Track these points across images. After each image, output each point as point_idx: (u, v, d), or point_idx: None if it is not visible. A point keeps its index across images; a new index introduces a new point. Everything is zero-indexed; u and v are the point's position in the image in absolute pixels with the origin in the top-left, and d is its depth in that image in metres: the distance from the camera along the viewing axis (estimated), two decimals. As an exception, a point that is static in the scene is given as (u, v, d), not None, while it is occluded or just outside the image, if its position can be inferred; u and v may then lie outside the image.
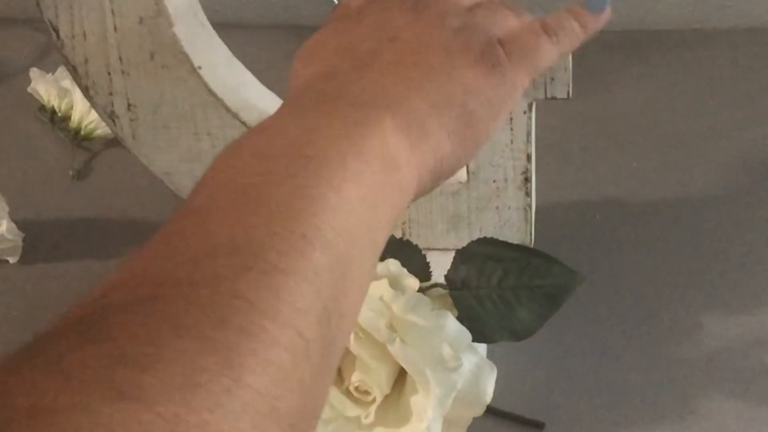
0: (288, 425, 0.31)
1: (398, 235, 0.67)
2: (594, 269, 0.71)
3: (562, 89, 0.61)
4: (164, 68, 0.63)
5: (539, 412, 0.63)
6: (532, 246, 0.67)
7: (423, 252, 0.62)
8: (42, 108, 0.91)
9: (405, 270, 0.59)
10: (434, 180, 0.43)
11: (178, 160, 0.66)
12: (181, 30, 0.63)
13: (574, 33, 0.49)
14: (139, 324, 0.29)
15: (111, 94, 0.65)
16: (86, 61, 0.64)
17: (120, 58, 0.63)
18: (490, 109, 0.45)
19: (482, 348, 0.63)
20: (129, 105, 0.65)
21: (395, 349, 0.56)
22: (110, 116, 0.65)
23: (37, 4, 0.62)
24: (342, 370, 0.58)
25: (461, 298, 0.60)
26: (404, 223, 0.67)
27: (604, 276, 0.72)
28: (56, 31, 0.63)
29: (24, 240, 0.78)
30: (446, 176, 0.44)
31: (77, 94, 0.87)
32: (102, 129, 0.87)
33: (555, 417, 0.63)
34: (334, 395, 0.57)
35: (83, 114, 0.88)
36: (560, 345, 0.67)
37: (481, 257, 0.61)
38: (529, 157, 0.64)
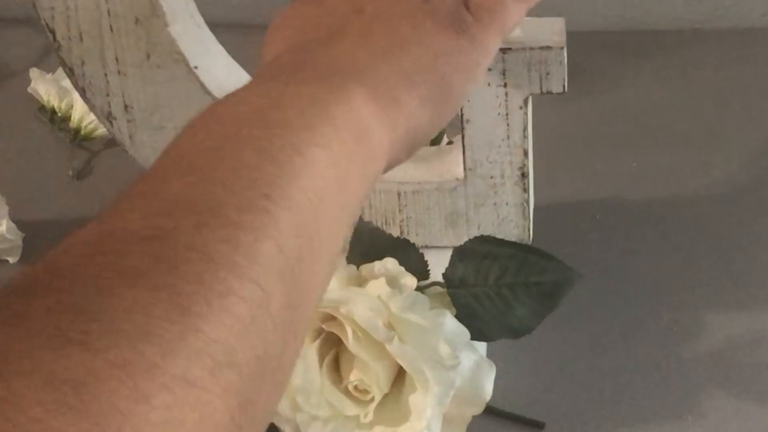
0: (247, 375, 0.30)
1: (396, 233, 0.67)
2: (593, 268, 0.71)
3: (558, 83, 0.61)
4: (160, 69, 0.63)
5: (539, 412, 0.63)
6: (530, 243, 0.67)
7: (421, 250, 0.62)
8: (42, 108, 0.91)
9: (403, 269, 0.59)
10: (409, 147, 0.43)
11: (176, 160, 0.66)
12: (176, 30, 0.63)
13: None
14: (89, 275, 0.29)
15: (108, 95, 0.65)
16: (83, 62, 0.64)
17: (116, 59, 0.63)
18: (462, 73, 0.45)
19: (482, 347, 0.63)
20: (126, 106, 0.65)
21: (394, 347, 0.56)
22: (107, 117, 0.65)
23: (34, 6, 0.62)
24: (341, 369, 0.58)
25: (459, 296, 0.60)
26: (402, 221, 0.67)
27: (603, 275, 0.72)
28: (52, 32, 0.63)
29: (24, 240, 0.78)
30: (422, 142, 0.44)
31: (77, 94, 0.87)
32: (102, 129, 0.87)
33: (555, 417, 0.63)
34: (333, 394, 0.57)
35: (83, 114, 0.88)
36: (560, 345, 0.67)
37: (478, 255, 0.61)
38: (525, 153, 0.64)
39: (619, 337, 0.68)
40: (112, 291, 0.29)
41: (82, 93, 0.65)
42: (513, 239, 0.66)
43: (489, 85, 0.62)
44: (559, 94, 0.62)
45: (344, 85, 0.40)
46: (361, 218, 0.63)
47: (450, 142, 0.75)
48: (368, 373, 0.57)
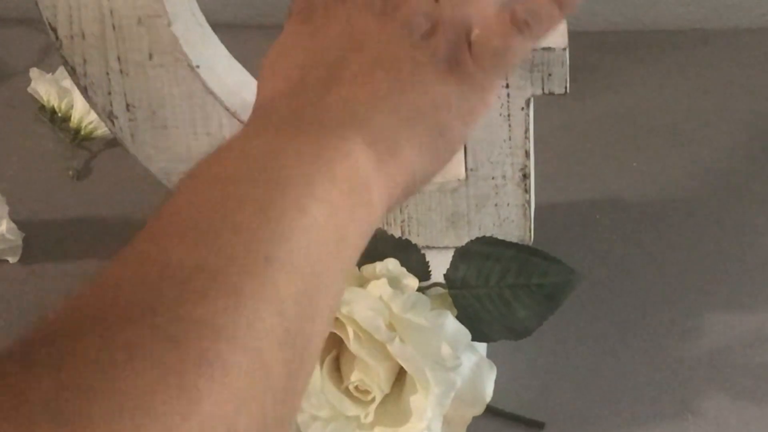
0: None
1: (397, 233, 0.67)
2: (594, 269, 0.71)
3: (560, 84, 0.62)
4: (163, 68, 0.63)
5: (539, 412, 0.63)
6: (531, 244, 0.67)
7: (422, 251, 0.62)
8: (42, 108, 0.91)
9: (404, 269, 0.59)
10: (406, 192, 0.43)
11: (177, 160, 0.66)
12: (179, 29, 0.63)
13: (550, 17, 0.46)
14: (91, 347, 0.29)
15: (110, 94, 0.65)
16: (85, 61, 0.64)
17: (119, 58, 0.63)
18: (462, 118, 0.44)
19: (482, 347, 0.63)
20: (128, 105, 0.65)
21: (394, 348, 0.56)
22: (109, 117, 0.65)
23: (36, 5, 0.62)
24: (341, 369, 0.58)
25: (460, 297, 0.60)
26: (403, 221, 0.67)
27: (603, 275, 0.72)
28: (55, 31, 0.63)
29: (24, 240, 0.78)
30: (420, 186, 0.44)
31: (77, 94, 0.87)
32: (102, 129, 0.87)
33: (555, 417, 0.63)
34: (334, 394, 0.57)
35: (83, 114, 0.88)
36: (560, 345, 0.67)
37: (480, 256, 0.61)
38: (527, 154, 0.64)
39: (619, 338, 0.68)
40: (113, 367, 0.28)
41: (84, 92, 0.65)
42: (514, 240, 0.66)
43: (490, 85, 0.62)
44: (560, 95, 0.62)
45: (343, 136, 0.40)
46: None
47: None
48: (369, 373, 0.57)
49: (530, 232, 0.68)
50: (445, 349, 0.56)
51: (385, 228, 0.67)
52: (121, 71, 0.64)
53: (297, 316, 0.33)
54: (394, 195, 0.42)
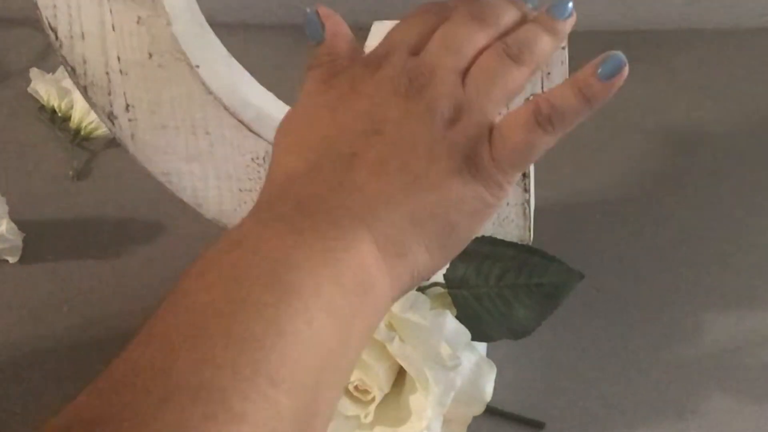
0: None
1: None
2: (593, 269, 0.71)
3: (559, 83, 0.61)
4: (162, 68, 0.63)
5: (539, 412, 0.63)
6: (531, 244, 0.67)
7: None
8: (42, 108, 0.91)
9: (404, 269, 0.59)
10: (411, 286, 0.42)
11: (177, 160, 0.66)
12: (178, 29, 0.63)
13: (576, 113, 0.44)
14: None
15: (109, 94, 0.65)
16: (84, 61, 0.64)
17: (118, 58, 0.63)
18: (472, 218, 0.43)
19: (482, 347, 0.63)
20: (127, 105, 0.65)
21: (394, 348, 0.56)
22: (109, 116, 0.65)
23: (36, 5, 0.62)
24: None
25: (460, 296, 0.60)
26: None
27: (603, 275, 0.72)
28: (54, 31, 0.63)
29: (24, 240, 0.78)
30: (424, 280, 0.43)
31: (77, 94, 0.87)
32: (102, 129, 0.87)
33: (555, 417, 0.63)
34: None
35: (83, 114, 0.88)
36: (560, 345, 0.67)
37: (479, 256, 0.61)
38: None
39: (619, 338, 0.68)
40: None
41: (84, 92, 0.65)
42: (514, 239, 0.66)
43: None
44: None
45: (354, 237, 0.39)
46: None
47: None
48: (369, 373, 0.57)
49: (530, 231, 0.68)
50: (445, 349, 0.56)
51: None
52: (121, 71, 0.64)
53: (296, 425, 0.34)
54: (398, 290, 0.41)
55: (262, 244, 0.38)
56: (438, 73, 0.44)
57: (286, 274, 0.37)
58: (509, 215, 0.67)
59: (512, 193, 0.66)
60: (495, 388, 0.59)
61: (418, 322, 0.56)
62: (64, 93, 0.89)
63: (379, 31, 0.63)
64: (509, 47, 0.45)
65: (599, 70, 0.45)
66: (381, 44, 0.46)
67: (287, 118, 0.46)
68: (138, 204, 0.81)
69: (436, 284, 0.61)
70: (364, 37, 0.62)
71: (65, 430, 0.32)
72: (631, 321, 0.69)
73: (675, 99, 0.90)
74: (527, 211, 0.67)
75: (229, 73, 0.67)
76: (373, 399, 0.57)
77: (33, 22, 0.65)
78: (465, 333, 0.58)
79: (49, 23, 0.63)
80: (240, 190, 0.67)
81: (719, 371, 0.65)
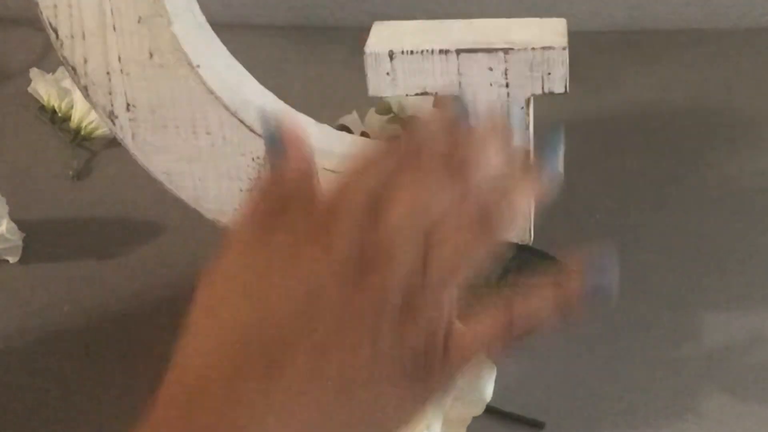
0: None
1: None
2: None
3: (559, 84, 0.61)
4: (163, 67, 0.63)
5: (539, 412, 0.63)
6: (531, 243, 0.67)
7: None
8: (42, 108, 0.91)
9: (404, 269, 0.59)
10: None
11: (177, 160, 0.66)
12: (179, 29, 0.63)
13: (551, 328, 0.39)
14: None
15: (110, 93, 0.65)
16: (85, 60, 0.64)
17: (119, 58, 0.63)
18: (402, 419, 0.37)
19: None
20: (128, 105, 0.65)
21: (394, 348, 0.56)
22: (109, 116, 0.65)
23: (36, 4, 0.62)
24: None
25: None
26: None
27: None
28: (55, 31, 0.63)
29: (24, 240, 0.78)
30: None
31: (77, 94, 0.87)
32: (102, 129, 0.87)
33: (555, 417, 0.63)
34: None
35: (83, 114, 0.88)
36: (560, 345, 0.67)
37: (480, 256, 0.61)
38: (527, 153, 0.64)
39: (619, 338, 0.68)
40: None
41: (85, 91, 0.65)
42: (514, 239, 0.66)
43: (491, 85, 0.62)
44: (560, 94, 0.62)
45: None
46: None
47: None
48: (369, 372, 0.57)
49: (530, 231, 0.68)
50: (445, 349, 0.56)
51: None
52: (121, 71, 0.64)
53: None
54: None
55: None
56: (395, 254, 0.36)
57: None
58: (509, 215, 0.67)
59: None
60: (495, 389, 0.59)
61: (418, 322, 0.56)
62: (64, 93, 0.89)
63: (379, 32, 0.63)
64: (486, 216, 0.38)
65: (588, 284, 0.39)
66: (336, 190, 0.38)
67: (213, 271, 0.38)
68: (138, 204, 0.81)
69: (436, 284, 0.61)
70: (365, 38, 0.62)
71: None
72: (631, 321, 0.69)
73: (675, 99, 0.90)
74: (527, 211, 0.67)
75: (230, 72, 0.67)
76: (374, 399, 0.57)
77: (33, 22, 0.65)
78: (465, 333, 0.58)
79: (49, 23, 0.63)
80: (240, 190, 0.67)
81: (719, 371, 0.65)
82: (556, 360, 0.67)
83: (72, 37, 0.63)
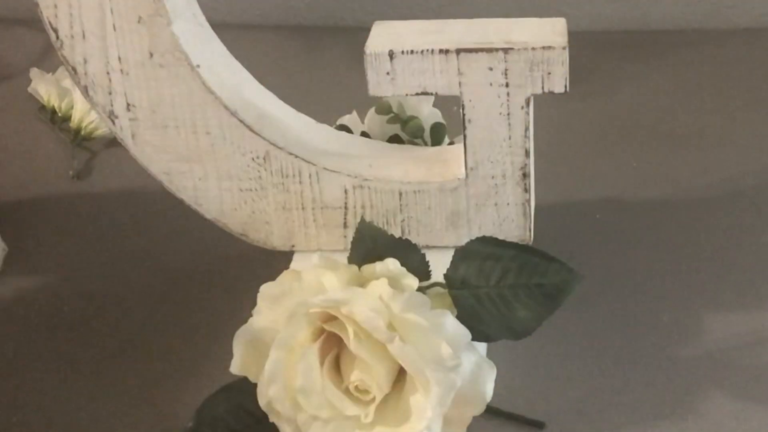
0: None
1: (397, 233, 0.67)
2: (593, 268, 0.71)
3: (559, 83, 0.62)
4: (163, 67, 0.64)
5: (539, 412, 0.63)
6: (531, 244, 0.67)
7: (422, 250, 0.62)
8: (42, 108, 0.91)
9: (404, 269, 0.59)
10: None
11: (177, 160, 0.66)
12: (179, 29, 0.63)
13: None
14: None
15: (110, 93, 0.65)
16: (85, 60, 0.64)
17: (119, 58, 0.63)
18: None
19: (482, 347, 0.63)
20: (128, 105, 0.65)
21: (395, 348, 0.56)
22: (109, 116, 0.66)
23: (36, 4, 0.63)
24: (341, 369, 0.58)
25: (460, 297, 0.60)
26: (403, 221, 0.67)
27: (603, 275, 0.72)
28: (55, 31, 0.63)
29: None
30: None
31: (77, 94, 0.87)
32: (102, 129, 0.87)
33: (555, 417, 0.63)
34: (334, 394, 0.57)
35: (83, 114, 0.88)
36: (560, 345, 0.67)
37: (480, 256, 0.61)
38: (527, 153, 0.64)
39: (619, 338, 0.68)
40: None
41: (84, 91, 0.65)
42: (514, 239, 0.66)
43: (491, 84, 0.62)
44: (560, 94, 0.62)
45: None
46: (362, 219, 0.64)
47: (451, 143, 0.76)
48: (369, 373, 0.57)
49: (530, 231, 0.68)
50: (446, 349, 0.56)
51: (385, 227, 0.67)
52: (121, 71, 0.64)
53: None
54: None
55: None
56: None
57: None
58: (510, 215, 0.67)
59: (512, 193, 0.66)
60: (495, 389, 0.59)
61: (418, 323, 0.56)
62: (64, 93, 0.89)
63: (379, 32, 0.63)
64: None
65: None
66: None
67: None
68: (138, 204, 0.81)
69: (436, 284, 0.61)
70: (365, 38, 0.62)
71: None
72: (631, 321, 0.69)
73: (675, 99, 0.90)
74: (527, 211, 0.67)
75: (230, 72, 0.67)
76: (373, 399, 0.57)
77: (33, 22, 0.65)
78: (465, 333, 0.58)
79: (50, 23, 0.63)
80: (240, 190, 0.67)
81: (719, 371, 0.65)
82: (556, 360, 0.67)
83: (72, 37, 0.63)
